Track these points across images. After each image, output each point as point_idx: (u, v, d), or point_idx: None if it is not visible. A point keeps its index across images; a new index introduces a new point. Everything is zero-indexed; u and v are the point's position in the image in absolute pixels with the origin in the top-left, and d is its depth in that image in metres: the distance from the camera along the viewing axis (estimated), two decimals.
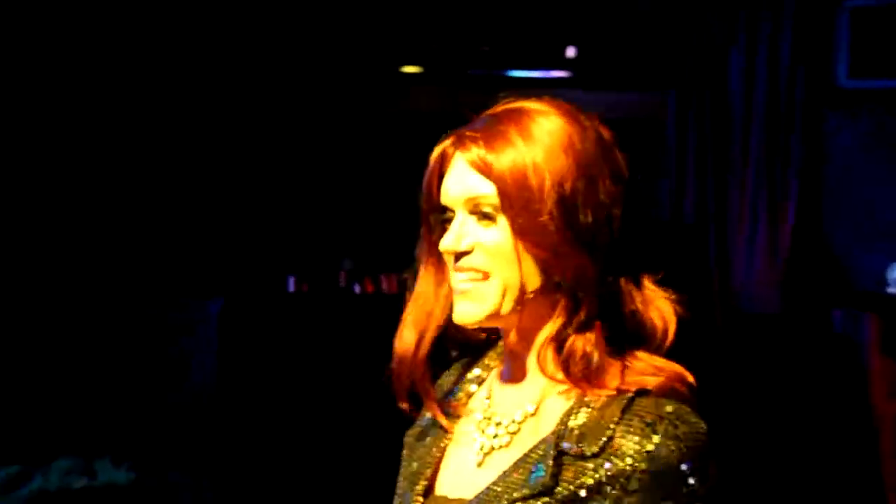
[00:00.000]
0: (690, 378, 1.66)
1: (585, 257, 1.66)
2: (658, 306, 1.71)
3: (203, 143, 4.81)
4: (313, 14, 4.93)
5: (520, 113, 1.70)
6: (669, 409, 1.62)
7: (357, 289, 4.80)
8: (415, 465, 1.83)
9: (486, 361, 1.84)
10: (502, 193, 1.67)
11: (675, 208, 5.03)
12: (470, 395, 1.83)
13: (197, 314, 4.61)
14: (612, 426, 1.63)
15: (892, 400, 4.55)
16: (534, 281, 1.68)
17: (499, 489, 1.68)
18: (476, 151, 1.67)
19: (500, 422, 1.74)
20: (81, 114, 4.73)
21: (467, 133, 1.69)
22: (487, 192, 1.68)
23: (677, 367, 1.66)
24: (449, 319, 1.77)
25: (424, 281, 1.79)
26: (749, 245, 4.83)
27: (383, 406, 5.04)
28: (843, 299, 4.47)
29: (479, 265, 1.69)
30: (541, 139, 1.67)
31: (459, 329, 1.76)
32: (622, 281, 1.69)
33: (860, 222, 4.49)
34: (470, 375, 1.85)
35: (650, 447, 1.60)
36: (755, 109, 4.84)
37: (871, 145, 4.51)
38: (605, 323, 1.67)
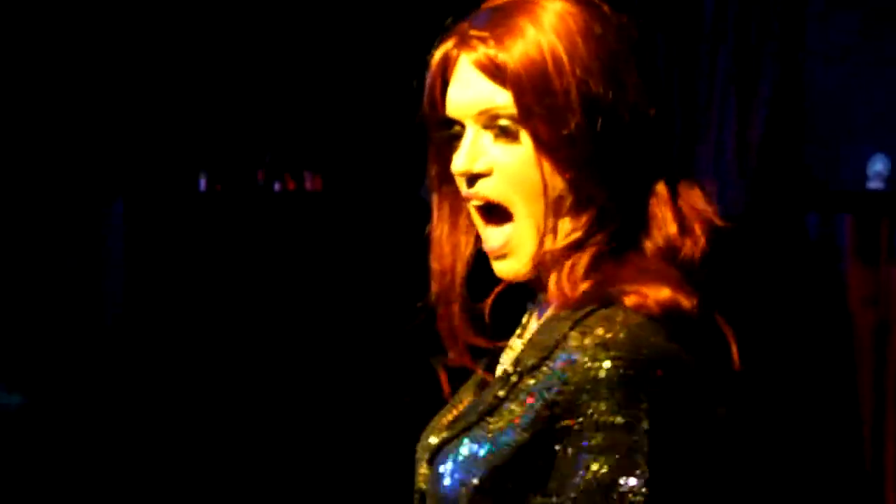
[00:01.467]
0: (685, 301, 1.49)
1: (623, 171, 1.54)
2: (696, 221, 1.56)
3: (104, 23, 4.53)
4: None
5: (529, 2, 1.56)
6: (619, 319, 1.49)
7: (277, 187, 4.54)
8: (457, 395, 1.77)
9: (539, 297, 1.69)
10: (520, 99, 1.51)
11: None
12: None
13: (102, 218, 4.37)
14: (557, 337, 1.51)
15: (869, 308, 4.47)
16: (562, 205, 1.55)
17: (467, 413, 1.61)
18: (484, 51, 1.53)
19: (515, 345, 1.67)
20: None
21: (472, 31, 1.54)
22: (503, 102, 1.53)
23: (670, 286, 1.49)
24: (477, 251, 1.64)
25: (442, 212, 1.66)
26: (717, 140, 4.66)
27: (304, 318, 4.66)
28: (818, 199, 4.38)
29: (498, 193, 1.55)
30: (557, 28, 1.52)
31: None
32: (661, 192, 1.56)
33: (839, 113, 4.34)
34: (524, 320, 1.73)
35: (579, 357, 1.48)
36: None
37: (856, 35, 4.33)
38: (641, 242, 1.55)
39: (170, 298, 4.37)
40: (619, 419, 1.47)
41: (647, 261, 1.55)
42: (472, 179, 1.55)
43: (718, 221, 1.57)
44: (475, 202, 1.57)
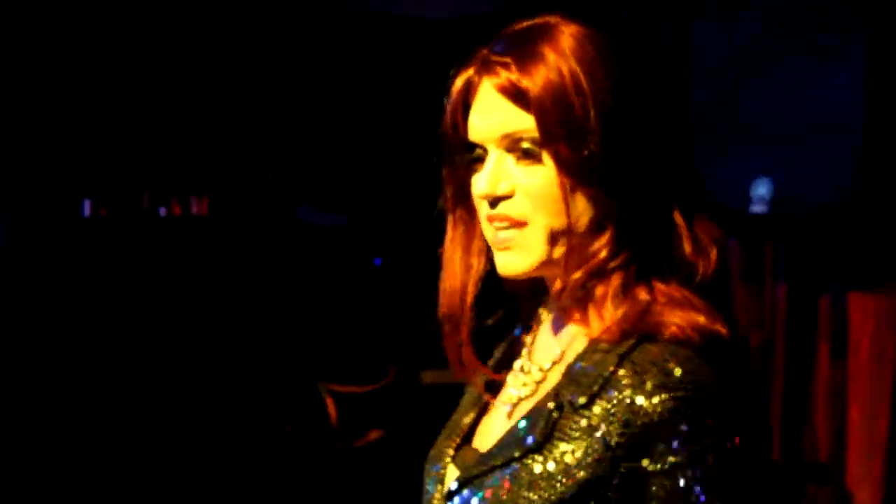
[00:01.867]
0: (721, 328, 1.55)
1: (641, 188, 1.58)
2: (709, 241, 1.61)
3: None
4: None
5: (547, 27, 1.61)
6: (668, 354, 1.53)
7: (163, 212, 4.51)
8: (456, 415, 1.81)
9: (539, 315, 1.74)
10: (543, 123, 1.55)
11: None
12: (521, 346, 1.76)
13: None
14: (605, 374, 1.55)
15: (754, 331, 4.41)
16: (582, 222, 1.59)
17: (499, 447, 1.62)
18: (507, 76, 1.56)
19: (529, 370, 1.69)
20: None
21: (493, 56, 1.57)
22: (526, 125, 1.56)
23: (708, 312, 1.55)
24: (490, 271, 1.65)
25: (456, 233, 1.68)
26: None
27: (184, 338, 4.57)
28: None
29: (520, 212, 1.58)
30: (576, 53, 1.57)
31: (505, 280, 1.66)
32: (676, 212, 1.60)
33: (723, 134, 4.30)
34: (519, 330, 1.77)
35: (639, 399, 1.52)
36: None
37: (740, 52, 4.32)
38: (654, 262, 1.60)
39: (47, 321, 4.33)
40: (685, 455, 1.51)
41: (673, 287, 1.58)
42: (496, 201, 1.58)
43: (722, 240, 1.60)
44: (498, 223, 1.58)
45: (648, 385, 1.52)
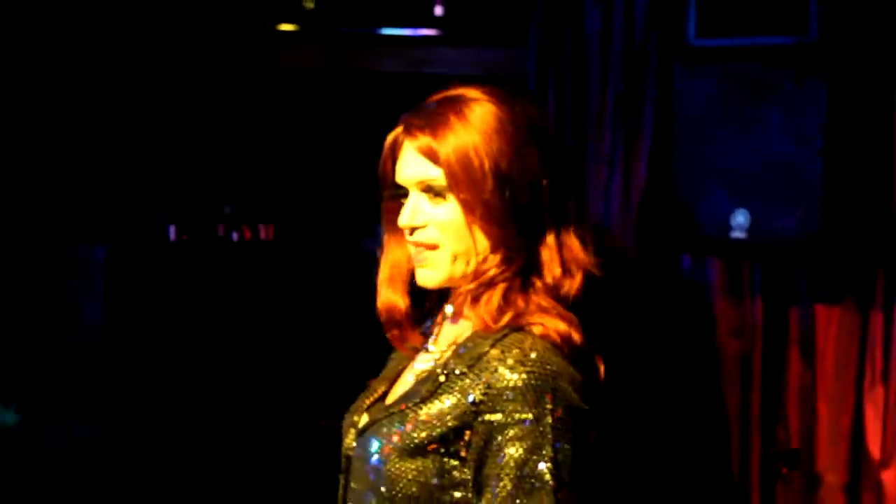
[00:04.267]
0: (575, 335, 1.84)
1: (521, 223, 1.84)
2: (576, 265, 1.89)
3: (90, 91, 4.74)
4: None
5: (457, 101, 1.88)
6: (529, 343, 1.81)
7: (235, 237, 4.76)
8: (375, 381, 2.05)
9: (444, 311, 2.00)
10: (449, 176, 1.83)
11: None
12: (434, 331, 2.01)
13: (84, 260, 4.55)
14: (481, 353, 1.82)
15: (734, 338, 4.56)
16: (480, 247, 1.86)
17: (397, 400, 1.91)
18: (423, 139, 1.84)
19: (433, 350, 1.96)
20: None
21: (414, 122, 1.86)
22: (436, 175, 1.85)
23: (568, 323, 1.84)
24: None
25: (392, 246, 1.98)
26: (605, 193, 4.79)
27: (258, 354, 4.71)
28: (691, 245, 4.42)
29: (431, 238, 1.88)
30: (477, 125, 1.83)
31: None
32: (551, 240, 1.87)
33: (706, 172, 4.37)
34: (437, 318, 2.02)
35: (500, 369, 1.79)
36: (611, 67, 4.77)
37: (719, 99, 4.34)
38: (533, 279, 1.86)
39: (142, 333, 4.53)
40: (529, 415, 1.78)
41: (543, 298, 1.86)
42: (413, 230, 1.88)
43: (593, 268, 1.91)
44: (415, 247, 1.89)
45: (510, 361, 1.80)
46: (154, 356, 4.54)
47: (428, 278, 1.91)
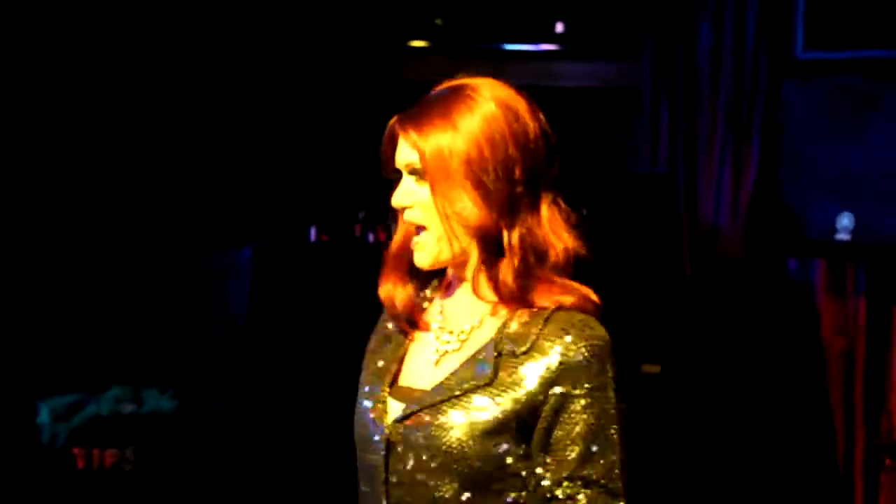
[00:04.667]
0: (595, 297, 1.89)
1: (494, 210, 1.88)
2: (562, 239, 1.91)
3: (240, 111, 4.87)
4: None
5: (450, 97, 1.91)
6: (578, 318, 1.86)
7: (371, 238, 4.88)
8: (381, 363, 2.03)
9: (435, 284, 2.03)
10: (423, 161, 1.88)
11: (652, 164, 5.00)
12: (423, 311, 2.02)
13: (234, 260, 4.67)
14: (536, 332, 1.86)
15: (838, 337, 4.66)
16: (459, 231, 1.89)
17: (452, 383, 1.89)
18: (408, 127, 1.89)
19: (452, 331, 1.96)
20: (119, 74, 4.75)
21: (405, 117, 1.91)
22: (415, 160, 1.89)
23: (584, 289, 1.89)
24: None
25: (399, 232, 1.99)
26: (716, 198, 4.87)
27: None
28: (797, 248, 4.51)
29: (418, 219, 1.92)
30: (458, 123, 1.88)
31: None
32: (531, 221, 1.90)
33: (812, 178, 4.52)
34: (422, 295, 2.03)
35: (563, 346, 1.83)
36: (722, 77, 4.86)
37: (823, 110, 4.53)
38: (523, 254, 1.89)
39: (286, 326, 4.60)
40: (595, 383, 1.84)
41: (548, 274, 1.90)
42: (404, 210, 1.92)
43: (571, 243, 1.91)
44: (408, 223, 1.92)
45: (570, 338, 1.85)
46: (294, 347, 4.63)
47: (419, 259, 1.94)
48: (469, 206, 1.88)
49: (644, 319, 4.70)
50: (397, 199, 1.94)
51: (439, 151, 1.88)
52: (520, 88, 1.93)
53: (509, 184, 1.89)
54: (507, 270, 1.90)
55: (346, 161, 5.05)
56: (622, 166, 5.27)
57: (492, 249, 1.91)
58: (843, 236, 4.42)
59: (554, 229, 1.92)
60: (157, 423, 4.44)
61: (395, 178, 1.97)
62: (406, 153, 1.93)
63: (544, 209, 1.93)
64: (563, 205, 1.95)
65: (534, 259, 1.90)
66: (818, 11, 4.53)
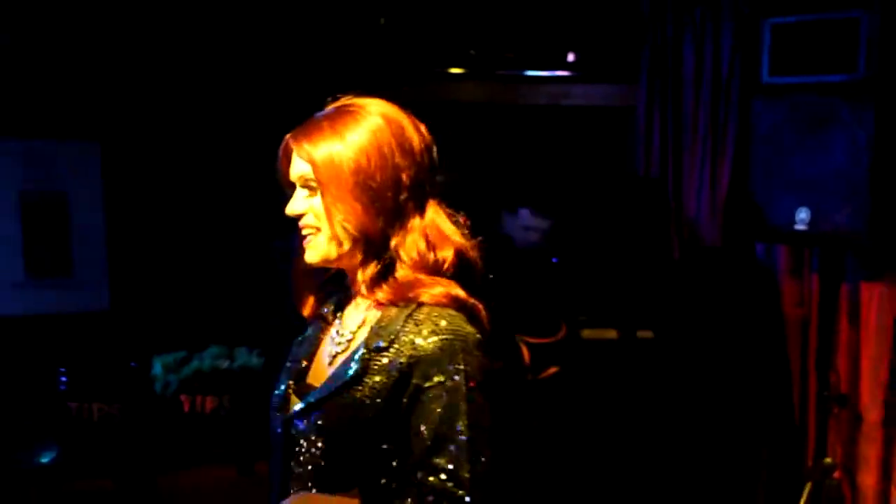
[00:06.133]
0: (463, 295, 1.81)
1: (380, 215, 1.80)
2: (448, 242, 1.83)
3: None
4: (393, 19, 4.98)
5: (339, 113, 1.84)
6: (437, 313, 1.78)
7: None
8: (289, 363, 2.00)
9: (344, 289, 1.98)
10: (316, 173, 1.82)
11: (646, 169, 5.08)
12: (333, 314, 1.97)
13: (293, 246, 4.59)
14: (398, 327, 1.79)
15: (796, 308, 4.74)
16: (349, 233, 1.82)
17: (330, 382, 1.83)
18: (302, 142, 1.84)
19: (343, 332, 1.91)
20: (208, 69, 4.62)
21: (298, 132, 1.85)
22: (309, 172, 1.84)
23: (453, 288, 1.81)
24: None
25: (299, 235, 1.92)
26: (697, 196, 4.97)
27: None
28: (763, 235, 4.53)
29: (311, 223, 1.86)
30: (347, 135, 1.81)
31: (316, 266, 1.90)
32: (417, 226, 1.82)
33: (776, 179, 4.54)
34: (333, 300, 1.99)
35: (418, 339, 1.76)
36: (702, 98, 4.97)
37: (787, 124, 4.54)
38: (406, 256, 1.81)
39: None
40: (443, 377, 1.74)
41: (422, 273, 1.80)
42: (299, 217, 1.87)
43: (460, 242, 1.83)
44: (303, 230, 1.87)
45: (424, 332, 1.75)
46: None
47: (308, 257, 1.86)
48: (357, 211, 1.80)
49: (639, 294, 4.74)
50: (291, 208, 1.87)
51: (329, 161, 1.80)
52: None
53: (395, 191, 1.80)
54: (386, 271, 1.82)
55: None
56: (622, 170, 5.27)
57: (378, 252, 1.82)
58: (800, 227, 4.32)
59: (440, 233, 1.84)
60: (247, 376, 4.41)
61: (290, 191, 1.90)
62: (299, 165, 1.86)
63: (430, 214, 1.85)
64: (448, 210, 1.88)
65: (417, 260, 1.81)
66: (781, 43, 4.55)
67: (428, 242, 1.82)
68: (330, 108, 1.87)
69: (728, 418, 4.70)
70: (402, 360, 1.75)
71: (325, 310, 1.96)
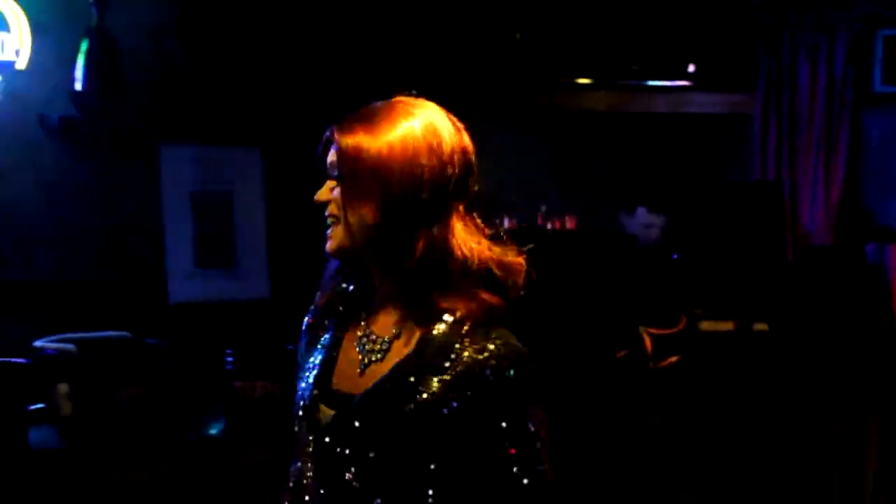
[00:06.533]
0: (501, 304, 1.72)
1: (395, 213, 1.71)
2: (472, 250, 1.72)
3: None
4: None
5: (379, 108, 1.77)
6: (495, 334, 1.70)
7: (549, 227, 4.82)
8: (310, 364, 1.86)
9: (366, 288, 1.86)
10: (339, 167, 1.76)
11: (762, 173, 5.15)
12: (352, 314, 1.85)
13: None
14: (457, 346, 1.69)
15: None
16: (363, 227, 1.74)
17: (378, 395, 1.71)
18: (336, 132, 1.78)
19: (375, 339, 1.79)
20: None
21: (337, 127, 1.78)
22: (335, 162, 1.79)
23: (491, 297, 1.71)
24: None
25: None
26: (811, 199, 5.06)
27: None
28: (874, 235, 4.68)
29: (333, 213, 1.79)
30: (375, 128, 1.74)
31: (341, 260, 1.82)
32: (439, 231, 1.71)
33: (885, 184, 4.76)
34: (353, 297, 1.87)
35: (482, 361, 1.68)
36: (817, 107, 5.06)
37: (895, 131, 4.74)
38: (427, 261, 1.70)
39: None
40: (504, 394, 1.66)
41: (438, 276, 1.69)
42: (321, 207, 1.79)
43: (483, 255, 1.71)
44: (328, 220, 1.78)
45: (488, 353, 1.67)
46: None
47: (328, 246, 1.78)
48: (371, 205, 1.73)
49: (755, 289, 4.75)
50: (318, 196, 1.80)
51: (351, 150, 1.73)
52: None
53: (414, 191, 1.71)
54: (411, 275, 1.72)
55: (526, 170, 5.07)
56: (739, 176, 5.30)
57: (398, 252, 1.73)
58: None
59: (464, 241, 1.72)
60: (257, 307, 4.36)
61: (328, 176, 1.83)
62: (331, 154, 1.80)
63: (455, 221, 1.74)
64: (477, 218, 1.78)
65: (439, 267, 1.71)
66: (892, 54, 4.70)
67: (451, 250, 1.71)
68: (379, 103, 1.80)
69: (838, 410, 4.65)
70: (460, 375, 1.68)
71: (342, 308, 1.87)
